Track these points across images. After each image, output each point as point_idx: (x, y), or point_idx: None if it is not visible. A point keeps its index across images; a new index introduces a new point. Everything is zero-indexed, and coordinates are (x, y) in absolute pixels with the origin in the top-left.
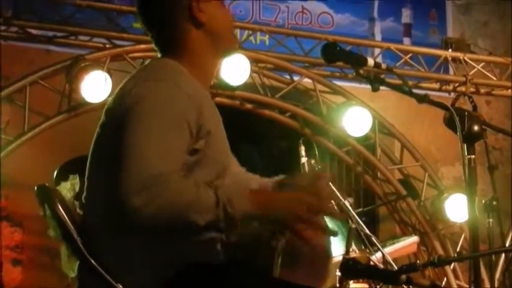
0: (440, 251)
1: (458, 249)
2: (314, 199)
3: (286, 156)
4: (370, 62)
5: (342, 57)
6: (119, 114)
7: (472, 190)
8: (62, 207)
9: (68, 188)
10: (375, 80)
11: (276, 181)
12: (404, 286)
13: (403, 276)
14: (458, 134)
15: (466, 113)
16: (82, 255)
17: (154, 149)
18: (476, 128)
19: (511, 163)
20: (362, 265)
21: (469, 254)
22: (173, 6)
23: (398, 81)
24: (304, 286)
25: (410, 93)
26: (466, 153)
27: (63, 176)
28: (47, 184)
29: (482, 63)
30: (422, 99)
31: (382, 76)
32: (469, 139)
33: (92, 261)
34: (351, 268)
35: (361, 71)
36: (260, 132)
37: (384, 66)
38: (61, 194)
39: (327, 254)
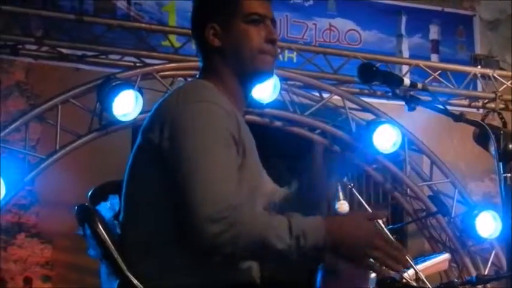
0: (471, 268)
1: (488, 266)
2: (382, 242)
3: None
4: (406, 81)
5: (378, 78)
6: (164, 137)
7: (507, 210)
8: (102, 226)
9: (107, 208)
10: (411, 100)
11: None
12: None
13: None
14: (493, 152)
15: (500, 131)
16: (122, 274)
17: (221, 173)
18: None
19: None
20: (399, 283)
21: (507, 273)
22: (196, 32)
23: (429, 99)
24: None
25: (445, 112)
26: (502, 172)
27: (102, 196)
28: (87, 204)
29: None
30: (458, 118)
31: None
32: (505, 157)
33: (133, 279)
34: (389, 286)
35: (398, 91)
36: (290, 149)
37: (419, 85)
38: (101, 213)
39: (366, 273)
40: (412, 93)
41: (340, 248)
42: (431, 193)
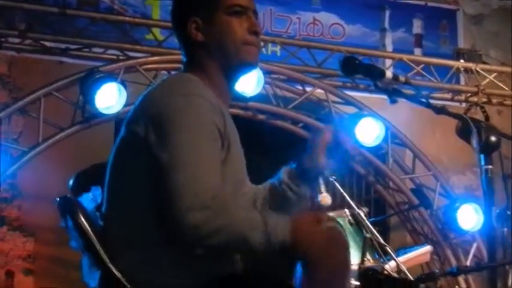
0: (453, 260)
1: (470, 258)
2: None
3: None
4: (388, 74)
5: (360, 70)
6: (151, 131)
7: (489, 201)
8: (84, 218)
9: (89, 199)
10: (393, 93)
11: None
12: None
13: (422, 286)
14: (475, 145)
15: (483, 124)
16: (104, 266)
17: (205, 166)
18: (493, 138)
19: None
20: (381, 275)
21: (487, 264)
22: (178, 27)
23: (412, 92)
24: None
25: (427, 105)
26: (483, 164)
27: (84, 187)
28: (68, 195)
29: (494, 74)
30: (439, 110)
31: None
32: (486, 150)
33: (115, 271)
34: (371, 278)
35: (380, 84)
36: (271, 142)
37: (402, 78)
38: (83, 205)
39: (346, 267)
40: (394, 86)
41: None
42: (413, 186)
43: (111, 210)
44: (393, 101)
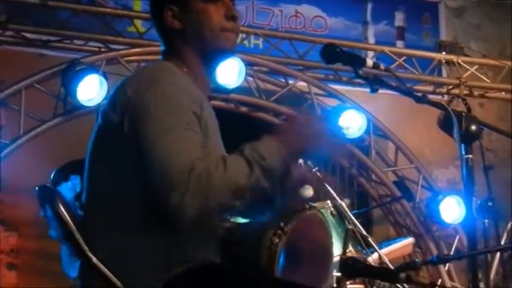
0: (435, 252)
1: (452, 250)
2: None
3: None
4: (369, 62)
5: (341, 58)
6: (127, 119)
7: (469, 190)
8: (63, 207)
9: (69, 189)
10: (374, 81)
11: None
12: (405, 285)
13: (403, 275)
14: (455, 134)
15: (463, 114)
16: (84, 255)
17: (183, 144)
18: (473, 127)
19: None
20: (362, 264)
21: (468, 252)
22: (155, 16)
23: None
24: (305, 285)
25: (408, 94)
26: (463, 153)
27: (63, 177)
28: (48, 184)
29: (476, 66)
30: (420, 99)
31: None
32: (467, 139)
33: (95, 260)
34: (351, 267)
35: (360, 72)
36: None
37: (382, 67)
38: (62, 194)
39: (328, 254)
40: (377, 75)
41: (298, 148)
42: (396, 179)
43: (91, 199)
44: (374, 90)
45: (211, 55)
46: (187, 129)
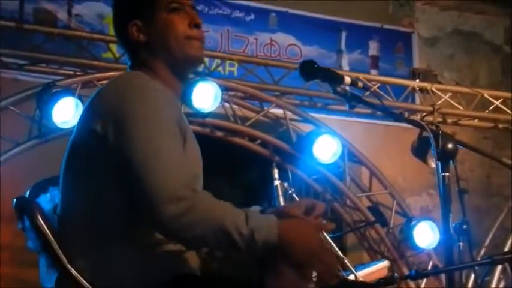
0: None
1: None
2: (327, 256)
3: (255, 186)
4: (347, 79)
5: (319, 75)
6: (110, 128)
7: (446, 207)
8: (41, 218)
9: (47, 200)
10: (352, 98)
11: (272, 211)
12: None
13: None
14: (432, 151)
15: (440, 132)
16: (62, 266)
17: (176, 158)
18: (450, 146)
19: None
20: (341, 278)
21: (445, 267)
22: (120, 33)
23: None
24: None
25: (386, 110)
26: (440, 171)
27: (42, 188)
28: (26, 195)
29: (450, 94)
30: (398, 117)
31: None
32: (444, 157)
33: (73, 271)
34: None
35: (338, 89)
36: (230, 162)
37: (360, 84)
38: (40, 205)
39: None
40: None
41: (289, 251)
42: (370, 204)
43: (67, 211)
44: (352, 107)
45: (179, 64)
46: (173, 137)
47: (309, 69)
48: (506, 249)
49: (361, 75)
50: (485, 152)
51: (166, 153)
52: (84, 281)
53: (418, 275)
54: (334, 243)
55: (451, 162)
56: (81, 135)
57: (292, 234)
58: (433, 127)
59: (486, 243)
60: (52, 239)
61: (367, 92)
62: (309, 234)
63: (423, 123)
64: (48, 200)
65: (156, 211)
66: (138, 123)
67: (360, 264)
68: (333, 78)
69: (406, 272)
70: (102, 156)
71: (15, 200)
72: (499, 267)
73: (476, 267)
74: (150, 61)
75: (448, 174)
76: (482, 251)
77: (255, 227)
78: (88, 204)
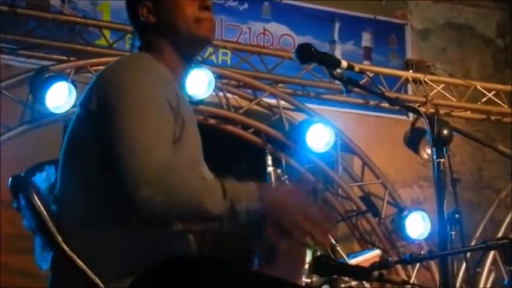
0: (400, 268)
1: (417, 266)
2: (314, 212)
3: (247, 174)
4: (344, 63)
5: (315, 58)
6: (101, 105)
7: (441, 194)
8: (37, 197)
9: (43, 179)
10: (348, 82)
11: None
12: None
13: (375, 273)
14: (427, 137)
15: (435, 117)
16: (58, 246)
17: (153, 137)
18: (445, 131)
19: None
20: (335, 262)
21: (439, 252)
22: (131, 13)
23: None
24: (280, 279)
25: (382, 95)
26: (435, 157)
27: (38, 167)
28: (21, 174)
29: (442, 85)
30: (394, 102)
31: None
32: (439, 143)
33: (68, 251)
34: (324, 265)
35: (335, 73)
36: (221, 151)
37: (356, 68)
38: (36, 184)
39: (303, 255)
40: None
41: (273, 214)
42: (362, 194)
43: (64, 191)
44: (348, 91)
45: (187, 46)
46: (161, 119)
47: (306, 53)
48: None
49: (354, 65)
50: (481, 139)
51: (144, 135)
52: (79, 261)
53: (412, 260)
54: None
55: (445, 150)
56: (80, 113)
57: (276, 194)
58: (429, 114)
59: (477, 235)
60: (47, 217)
61: (364, 80)
62: (293, 193)
63: (418, 109)
64: (44, 179)
65: (128, 194)
66: (123, 105)
67: (352, 253)
68: (329, 61)
69: None
70: (94, 134)
71: (10, 178)
72: (490, 259)
73: (468, 257)
74: (157, 42)
75: (443, 160)
76: (473, 243)
77: (234, 198)
78: (84, 184)
